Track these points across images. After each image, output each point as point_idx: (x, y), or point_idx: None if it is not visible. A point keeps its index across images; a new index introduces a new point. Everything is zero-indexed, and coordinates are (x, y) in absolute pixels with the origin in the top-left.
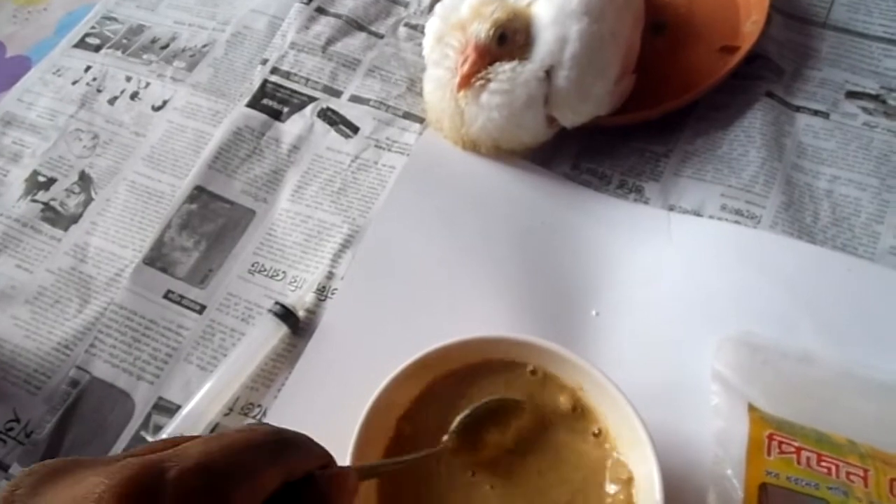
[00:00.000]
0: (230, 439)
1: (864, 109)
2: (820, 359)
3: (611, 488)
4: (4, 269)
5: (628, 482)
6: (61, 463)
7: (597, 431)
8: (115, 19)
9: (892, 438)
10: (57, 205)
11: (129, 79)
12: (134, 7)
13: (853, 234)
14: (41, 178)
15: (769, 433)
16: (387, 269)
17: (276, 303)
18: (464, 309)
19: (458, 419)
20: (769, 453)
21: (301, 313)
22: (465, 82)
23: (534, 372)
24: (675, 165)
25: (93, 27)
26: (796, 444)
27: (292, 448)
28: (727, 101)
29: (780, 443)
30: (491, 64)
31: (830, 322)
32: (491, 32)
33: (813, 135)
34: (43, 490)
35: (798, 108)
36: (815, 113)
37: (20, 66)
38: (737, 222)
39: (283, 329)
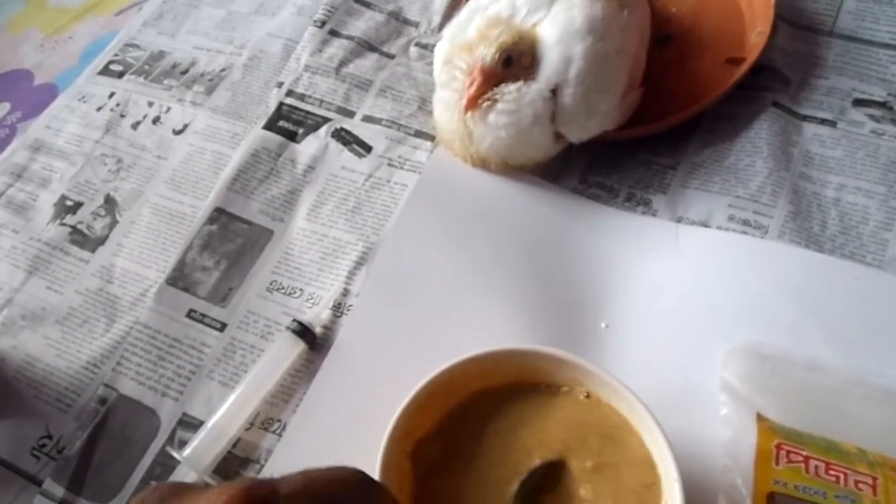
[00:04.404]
0: (327, 474)
1: (872, 117)
2: (828, 367)
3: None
4: (36, 290)
5: None
6: (179, 485)
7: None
8: (136, 46)
9: None
10: (84, 228)
11: (150, 104)
12: (155, 34)
13: (861, 242)
14: (69, 202)
15: (777, 443)
16: (400, 284)
17: (294, 320)
18: (475, 322)
19: (514, 488)
20: (777, 463)
21: (318, 330)
22: (472, 104)
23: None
24: (682, 177)
25: (116, 54)
26: (804, 453)
27: (375, 491)
28: (734, 112)
29: (789, 452)
30: (497, 85)
31: (839, 331)
32: (496, 56)
33: (820, 143)
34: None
35: (805, 118)
36: (822, 122)
37: (47, 93)
38: (744, 232)
39: (300, 345)
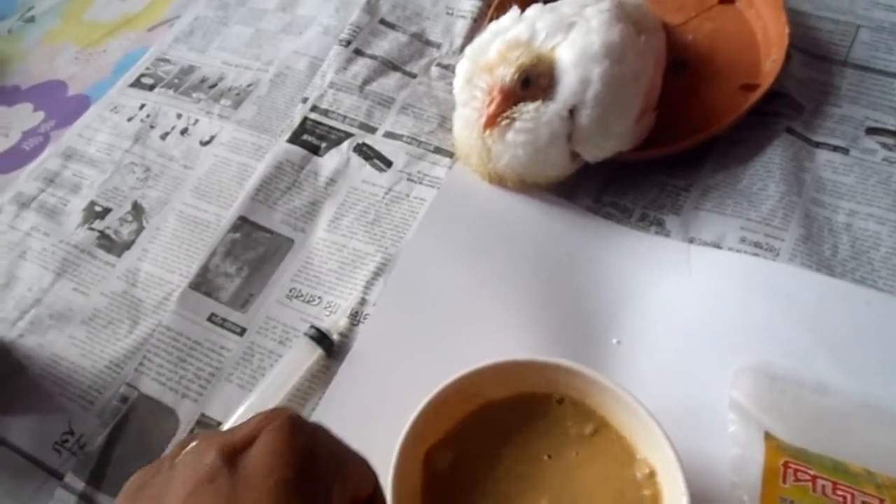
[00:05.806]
0: None
1: (884, 145)
2: (837, 389)
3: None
4: (63, 292)
5: (651, 476)
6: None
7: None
8: (168, 61)
9: None
10: (111, 233)
11: (179, 116)
12: (185, 49)
13: (872, 267)
14: (98, 208)
15: (785, 461)
16: (416, 296)
17: (312, 326)
18: (489, 336)
19: None
20: (784, 481)
21: (335, 337)
22: (491, 122)
23: (560, 401)
24: (695, 199)
25: (147, 68)
26: (812, 472)
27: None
28: (747, 137)
29: (796, 471)
30: (516, 104)
31: (848, 353)
32: (516, 77)
33: (832, 170)
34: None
35: (818, 144)
36: (835, 149)
37: (80, 104)
38: (756, 255)
39: (317, 351)
